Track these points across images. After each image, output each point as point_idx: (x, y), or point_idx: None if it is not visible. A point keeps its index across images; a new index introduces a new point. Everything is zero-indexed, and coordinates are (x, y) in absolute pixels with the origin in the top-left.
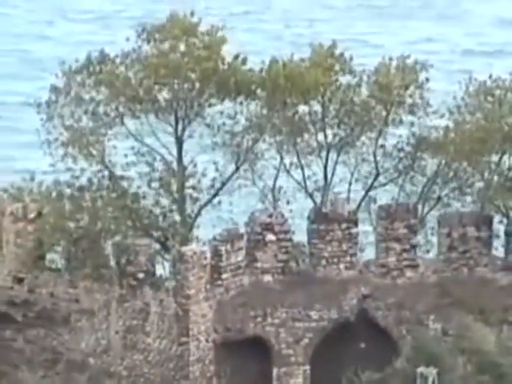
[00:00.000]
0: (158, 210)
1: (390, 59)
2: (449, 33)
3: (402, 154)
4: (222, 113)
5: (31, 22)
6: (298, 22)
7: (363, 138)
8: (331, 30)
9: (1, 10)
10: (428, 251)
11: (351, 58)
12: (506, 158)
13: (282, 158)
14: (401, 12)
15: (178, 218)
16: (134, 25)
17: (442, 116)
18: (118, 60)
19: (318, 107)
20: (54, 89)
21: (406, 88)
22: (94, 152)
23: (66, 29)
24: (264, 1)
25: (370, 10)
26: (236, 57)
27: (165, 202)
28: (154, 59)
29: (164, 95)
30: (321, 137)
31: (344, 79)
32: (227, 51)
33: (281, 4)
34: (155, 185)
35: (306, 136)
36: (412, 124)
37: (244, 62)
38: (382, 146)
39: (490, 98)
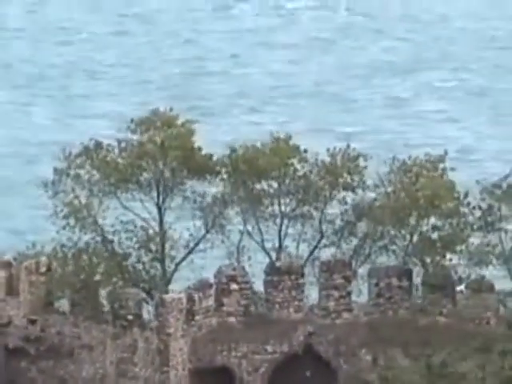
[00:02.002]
0: (141, 266)
1: (338, 150)
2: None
3: (342, 223)
4: (193, 192)
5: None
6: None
7: (311, 210)
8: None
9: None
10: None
11: (305, 150)
12: (425, 221)
13: (245, 224)
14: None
15: (158, 272)
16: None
17: (374, 189)
18: (109, 148)
19: (273, 184)
20: (56, 170)
21: (349, 173)
22: (90, 221)
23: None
24: None
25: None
26: (197, 148)
27: (148, 259)
28: (136, 148)
29: (148, 175)
30: (276, 208)
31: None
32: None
33: None
34: (140, 246)
35: (263, 207)
36: (353, 200)
37: (200, 149)
38: (325, 216)
39: (408, 174)
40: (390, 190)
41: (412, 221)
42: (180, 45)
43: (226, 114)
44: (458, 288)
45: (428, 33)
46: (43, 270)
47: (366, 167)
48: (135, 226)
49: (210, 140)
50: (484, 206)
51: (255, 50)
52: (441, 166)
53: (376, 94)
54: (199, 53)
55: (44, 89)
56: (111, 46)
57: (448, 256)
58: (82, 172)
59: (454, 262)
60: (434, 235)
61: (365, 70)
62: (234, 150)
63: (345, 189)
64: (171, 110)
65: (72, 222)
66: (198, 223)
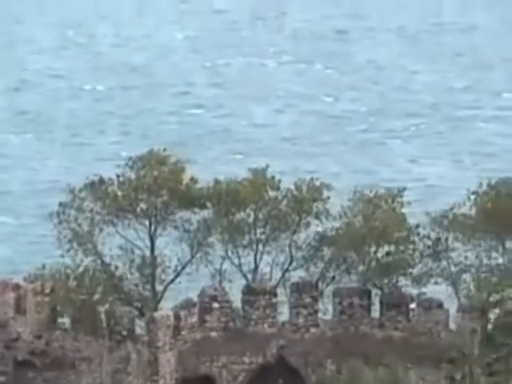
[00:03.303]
0: (134, 288)
1: (303, 180)
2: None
3: (309, 248)
4: (183, 223)
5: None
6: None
7: (282, 236)
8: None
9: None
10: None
11: (279, 181)
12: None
13: (226, 250)
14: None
15: (149, 292)
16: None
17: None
18: (110, 182)
19: (251, 213)
20: (61, 204)
21: (314, 201)
22: (91, 246)
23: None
24: None
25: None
26: (191, 178)
27: (141, 281)
28: (134, 182)
29: (143, 206)
30: (252, 235)
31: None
32: (188, 175)
33: None
34: (134, 270)
35: (242, 235)
36: (317, 226)
37: (196, 182)
38: (295, 242)
39: (368, 205)
40: (351, 219)
41: (369, 247)
42: (174, 95)
43: (214, 158)
44: (411, 306)
45: (391, 83)
46: (48, 291)
47: (329, 197)
48: (133, 253)
49: (199, 179)
50: (433, 235)
51: (240, 101)
52: (398, 199)
53: (348, 138)
54: (191, 103)
55: (56, 138)
56: (114, 98)
57: (401, 278)
58: (84, 204)
59: (407, 283)
60: (388, 260)
61: (338, 118)
62: (218, 183)
63: (309, 215)
64: (165, 150)
65: (75, 245)
66: (185, 249)
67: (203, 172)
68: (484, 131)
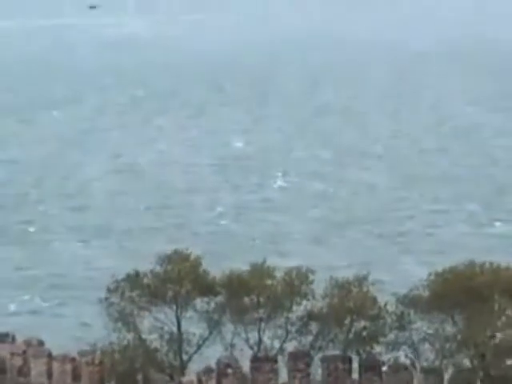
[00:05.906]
0: (166, 358)
1: (292, 268)
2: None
3: (300, 323)
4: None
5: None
6: None
7: (279, 315)
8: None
9: None
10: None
11: (274, 269)
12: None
13: (236, 327)
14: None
15: (177, 362)
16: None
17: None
18: (144, 276)
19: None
20: (108, 290)
21: (301, 283)
22: (131, 326)
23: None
24: None
25: None
26: (207, 273)
27: (170, 353)
28: (162, 275)
29: (169, 294)
30: (256, 314)
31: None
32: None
33: None
34: (165, 344)
35: (248, 314)
36: (306, 305)
37: (208, 273)
38: (289, 319)
39: (341, 290)
40: (330, 300)
41: (349, 323)
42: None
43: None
44: (383, 368)
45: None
46: (97, 362)
47: (313, 280)
48: (163, 331)
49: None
50: (398, 311)
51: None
52: (365, 283)
53: None
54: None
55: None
56: (158, 213)
57: (375, 346)
58: (126, 292)
59: (379, 350)
60: (365, 333)
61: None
62: (230, 274)
63: (299, 295)
64: (187, 249)
65: (119, 324)
66: (204, 327)
67: (219, 264)
68: None
